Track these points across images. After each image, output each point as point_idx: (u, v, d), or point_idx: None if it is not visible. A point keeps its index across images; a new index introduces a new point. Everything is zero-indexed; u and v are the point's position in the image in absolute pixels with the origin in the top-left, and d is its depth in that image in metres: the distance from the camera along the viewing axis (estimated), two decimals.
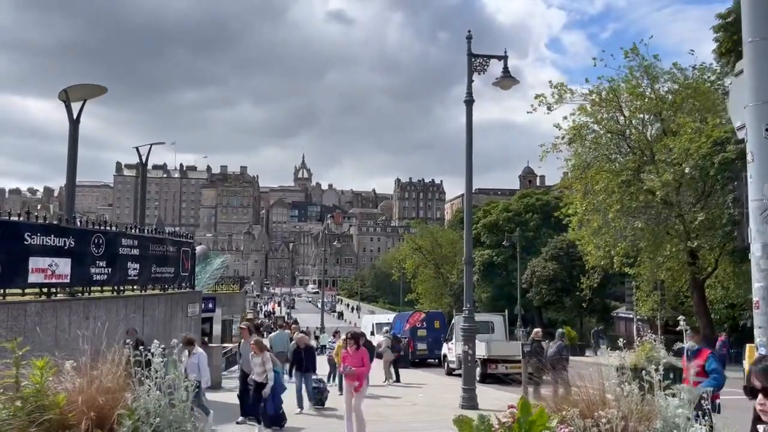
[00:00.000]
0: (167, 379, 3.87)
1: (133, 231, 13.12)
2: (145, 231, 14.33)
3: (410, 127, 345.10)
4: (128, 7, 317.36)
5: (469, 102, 14.10)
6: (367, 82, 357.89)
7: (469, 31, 14.19)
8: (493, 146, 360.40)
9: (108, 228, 11.96)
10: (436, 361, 27.53)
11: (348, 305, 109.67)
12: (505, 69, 14.20)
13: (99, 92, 11.42)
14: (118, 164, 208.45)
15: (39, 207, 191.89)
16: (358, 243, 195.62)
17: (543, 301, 47.66)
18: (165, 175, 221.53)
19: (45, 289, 10.02)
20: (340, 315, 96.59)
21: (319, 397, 12.86)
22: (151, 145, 17.14)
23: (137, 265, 12.54)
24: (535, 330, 18.26)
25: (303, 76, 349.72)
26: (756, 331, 4.80)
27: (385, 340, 21.77)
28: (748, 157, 4.97)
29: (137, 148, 16.93)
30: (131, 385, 3.81)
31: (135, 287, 12.64)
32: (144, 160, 17.10)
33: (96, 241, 11.15)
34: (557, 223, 44.08)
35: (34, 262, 9.73)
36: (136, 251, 12.51)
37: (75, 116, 11.66)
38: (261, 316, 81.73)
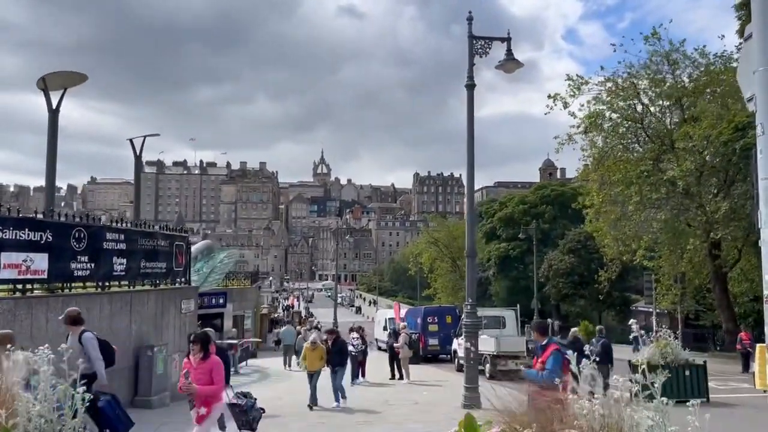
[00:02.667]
0: (56, 392, 3.30)
1: (120, 225, 12.69)
2: (144, 225, 13.93)
3: (427, 121, 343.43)
4: (143, 5, 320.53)
5: (470, 86, 13.41)
6: (382, 76, 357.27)
7: (470, 12, 13.48)
8: (511, 139, 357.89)
9: (91, 221, 11.52)
10: (449, 356, 26.90)
11: (365, 299, 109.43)
12: (509, 51, 13.48)
13: (79, 80, 10.99)
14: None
15: (63, 204, 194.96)
16: (377, 237, 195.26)
17: (560, 294, 46.71)
18: (185, 172, 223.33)
19: (20, 286, 9.60)
20: (358, 309, 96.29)
21: (244, 418, 7.52)
22: (145, 137, 16.72)
23: (124, 260, 12.10)
24: (573, 330, 17.94)
25: (317, 70, 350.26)
26: (767, 329, 4.12)
27: (403, 336, 21.05)
28: (758, 130, 4.27)
29: (131, 140, 16.54)
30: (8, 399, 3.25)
31: (122, 283, 12.21)
32: (138, 152, 16.68)
33: (77, 235, 10.72)
34: (574, 215, 43.14)
35: (7, 257, 9.33)
36: (122, 246, 12.08)
37: (55, 105, 11.24)
38: (279, 310, 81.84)
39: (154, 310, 13.13)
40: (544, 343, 6.96)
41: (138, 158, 16.72)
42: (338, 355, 14.01)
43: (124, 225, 12.61)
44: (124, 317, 11.96)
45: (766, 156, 4.20)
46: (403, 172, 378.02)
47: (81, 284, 10.98)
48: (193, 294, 15.42)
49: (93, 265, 11.12)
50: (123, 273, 12.17)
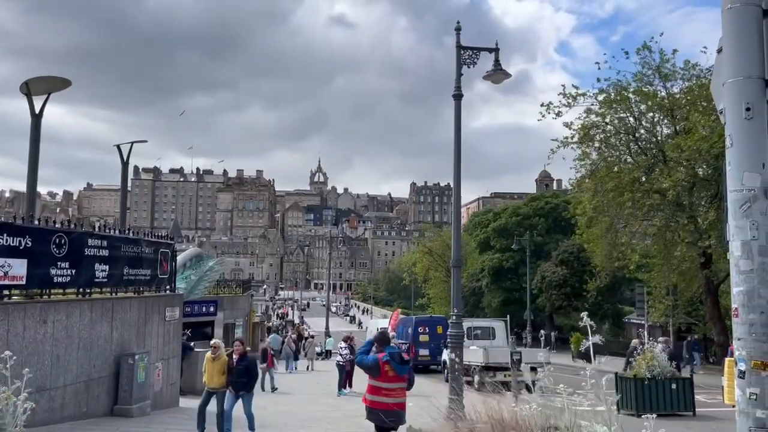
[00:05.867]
0: None
1: (105, 231, 12.60)
2: (129, 232, 13.84)
3: (422, 131, 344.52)
4: (137, 13, 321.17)
5: (458, 96, 13.41)
6: (376, 86, 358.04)
7: (458, 22, 13.51)
8: (508, 150, 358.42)
9: (72, 227, 11.42)
10: (439, 367, 26.76)
11: (360, 308, 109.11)
12: (497, 62, 13.51)
13: (62, 85, 10.95)
14: (136, 168, 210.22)
15: (58, 210, 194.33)
16: (373, 247, 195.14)
17: (553, 306, 46.65)
18: (182, 179, 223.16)
19: None
20: (353, 319, 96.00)
21: None
22: (132, 143, 16.67)
23: (106, 267, 11.98)
24: (633, 341, 19.54)
25: (311, 80, 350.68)
26: (735, 344, 4.06)
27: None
28: (727, 142, 4.24)
29: (118, 147, 16.48)
30: None
31: (104, 290, 12.10)
32: (126, 159, 16.63)
33: (57, 241, 10.62)
34: (567, 228, 43.18)
35: None
36: (105, 252, 11.96)
37: (38, 110, 11.18)
38: (273, 318, 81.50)
39: (136, 317, 13.01)
40: (378, 351, 7.44)
41: (125, 164, 16.64)
42: (243, 375, 10.55)
43: (107, 231, 12.51)
44: (106, 324, 11.84)
45: (735, 168, 4.16)
46: (399, 182, 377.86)
47: (61, 291, 10.86)
48: (177, 302, 15.31)
49: (74, 271, 11.00)
50: (105, 280, 12.05)
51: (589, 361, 4.06)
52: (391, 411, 6.98)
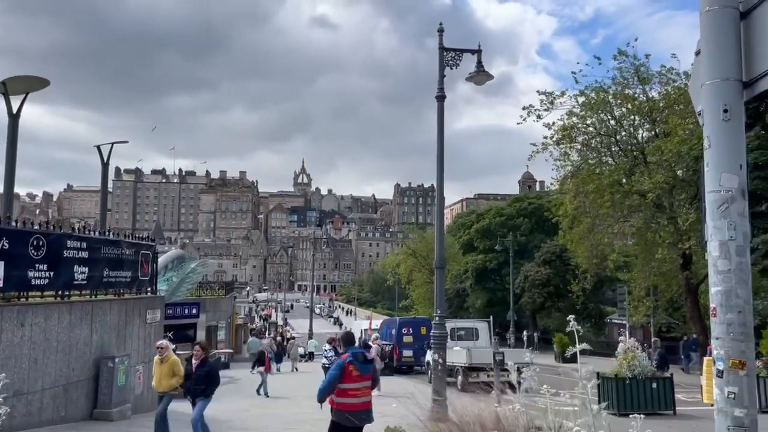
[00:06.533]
0: None
1: (85, 233, 12.43)
2: (110, 234, 13.68)
3: (405, 132, 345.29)
4: (117, 13, 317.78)
5: (441, 98, 13.44)
6: (359, 87, 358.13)
7: (441, 24, 13.54)
8: (490, 151, 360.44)
9: (51, 229, 11.26)
10: (423, 368, 26.79)
11: (344, 310, 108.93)
12: (479, 63, 13.55)
13: (40, 85, 10.78)
14: (117, 169, 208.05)
15: (38, 212, 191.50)
16: (357, 248, 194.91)
17: (536, 306, 46.94)
18: (164, 180, 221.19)
19: None
20: (337, 320, 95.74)
21: None
22: (113, 144, 16.48)
23: (86, 269, 11.84)
24: (654, 339, 19.99)
25: (294, 80, 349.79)
26: (713, 343, 4.11)
27: (375, 348, 20.90)
28: (705, 143, 4.28)
29: (98, 147, 16.27)
30: None
31: (83, 292, 11.94)
32: (106, 160, 16.43)
33: (35, 242, 10.46)
34: (550, 228, 43.47)
35: None
36: (84, 254, 11.82)
37: (15, 110, 11.00)
38: (257, 320, 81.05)
39: (117, 320, 12.86)
40: (342, 351, 7.37)
41: (105, 165, 16.43)
42: (202, 382, 9.74)
43: (87, 233, 12.35)
44: (85, 327, 11.69)
45: (713, 169, 4.20)
46: (382, 183, 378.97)
47: (39, 293, 10.71)
48: (159, 304, 15.16)
49: (52, 273, 10.86)
50: (84, 282, 11.90)
51: (574, 362, 4.08)
52: (358, 411, 6.99)
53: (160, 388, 10.04)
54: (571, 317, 3.88)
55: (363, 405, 7.10)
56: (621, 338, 28.89)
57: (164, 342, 10.51)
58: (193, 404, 9.77)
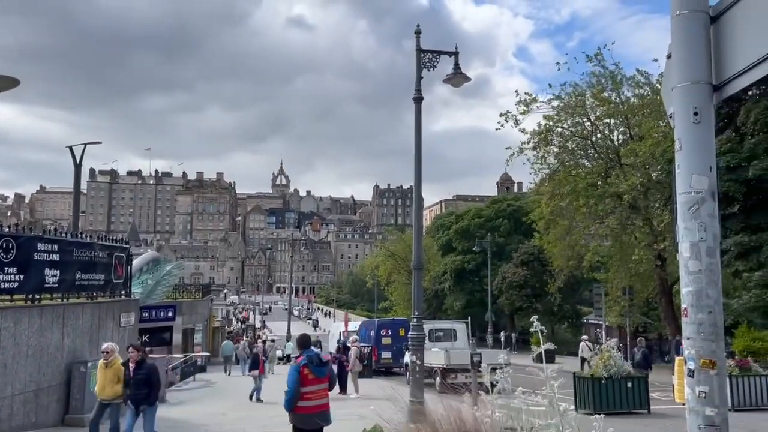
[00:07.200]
0: None
1: (57, 235, 12.19)
2: (83, 236, 13.42)
3: (383, 133, 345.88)
4: (91, 12, 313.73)
5: (418, 99, 13.46)
6: (336, 88, 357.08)
7: (418, 26, 13.58)
8: (468, 153, 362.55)
9: (21, 231, 11.03)
10: (402, 369, 26.78)
11: (323, 312, 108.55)
12: (456, 65, 13.61)
13: (11, 84, 10.52)
14: (92, 170, 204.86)
15: (9, 214, 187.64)
16: (336, 250, 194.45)
17: (514, 307, 47.25)
18: (140, 182, 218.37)
19: None
20: (316, 323, 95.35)
21: None
22: (85, 144, 16.22)
23: (57, 272, 11.61)
24: (639, 338, 21.42)
25: (270, 81, 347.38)
26: (685, 343, 4.15)
27: (354, 350, 20.83)
28: (676, 145, 4.34)
29: (71, 148, 15.99)
30: None
31: (54, 295, 11.70)
32: (78, 160, 16.15)
33: (4, 245, 10.24)
34: (528, 229, 43.82)
35: None
36: (55, 257, 11.59)
37: None
38: (234, 323, 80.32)
39: (89, 323, 12.63)
40: (298, 354, 7.36)
41: (78, 166, 16.16)
42: (143, 386, 9.01)
43: (59, 235, 12.11)
44: (56, 331, 11.46)
45: (684, 171, 4.24)
46: (361, 184, 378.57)
47: (8, 297, 10.47)
48: (133, 307, 14.93)
49: (22, 276, 10.63)
50: (56, 285, 11.67)
51: (552, 362, 4.09)
52: (316, 413, 6.99)
53: (103, 395, 9.30)
54: (534, 318, 3.91)
55: (320, 407, 7.12)
56: (583, 337, 29.37)
57: (110, 345, 9.79)
58: (136, 414, 9.01)
